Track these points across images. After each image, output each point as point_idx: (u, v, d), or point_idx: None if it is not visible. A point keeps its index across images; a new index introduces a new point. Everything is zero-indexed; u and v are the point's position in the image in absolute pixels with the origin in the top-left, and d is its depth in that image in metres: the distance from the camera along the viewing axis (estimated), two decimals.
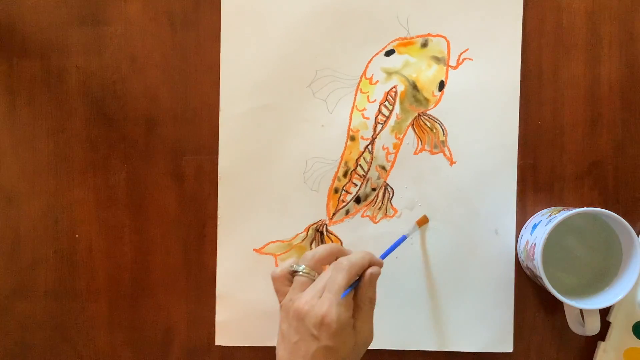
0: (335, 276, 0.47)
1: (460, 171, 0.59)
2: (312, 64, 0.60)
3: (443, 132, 0.59)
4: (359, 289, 0.48)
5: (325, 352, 0.45)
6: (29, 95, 0.61)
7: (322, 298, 0.46)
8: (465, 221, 0.59)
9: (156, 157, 0.61)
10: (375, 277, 0.49)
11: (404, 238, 0.57)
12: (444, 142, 0.59)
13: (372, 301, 0.48)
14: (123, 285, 0.61)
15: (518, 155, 0.59)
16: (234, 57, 0.60)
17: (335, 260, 0.49)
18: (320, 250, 0.50)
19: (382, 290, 0.59)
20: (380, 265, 0.50)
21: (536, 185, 0.59)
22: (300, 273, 0.49)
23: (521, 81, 0.59)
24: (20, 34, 0.61)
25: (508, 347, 0.59)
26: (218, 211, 0.60)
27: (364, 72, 0.60)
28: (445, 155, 0.59)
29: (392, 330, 0.59)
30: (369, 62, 0.60)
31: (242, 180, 0.60)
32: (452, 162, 0.59)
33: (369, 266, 0.49)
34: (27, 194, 0.61)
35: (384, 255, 0.53)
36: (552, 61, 0.59)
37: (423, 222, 0.59)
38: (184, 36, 0.60)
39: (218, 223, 0.60)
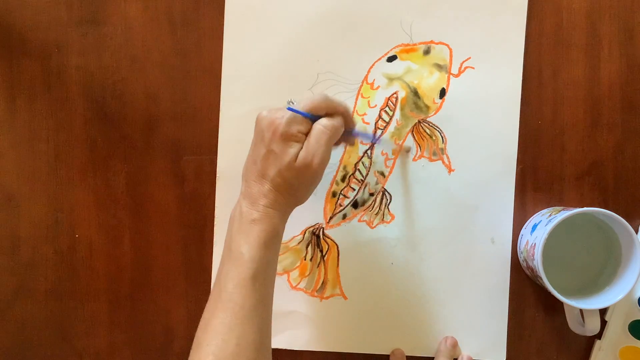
0: (305, 97, 0.48)
1: (459, 179, 0.59)
2: (314, 67, 0.60)
3: (442, 139, 0.59)
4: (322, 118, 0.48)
5: (269, 155, 0.47)
6: (29, 95, 0.61)
7: (277, 110, 0.48)
8: (462, 229, 0.59)
9: (156, 157, 0.61)
10: (337, 123, 0.48)
11: (373, 139, 0.58)
12: (443, 150, 0.59)
13: (325, 129, 0.47)
14: (123, 285, 0.61)
15: (518, 156, 0.59)
16: (236, 57, 0.60)
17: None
18: (317, 97, 0.49)
19: (377, 295, 0.59)
20: (347, 121, 0.50)
21: (536, 185, 0.59)
22: (291, 102, 0.50)
23: (522, 81, 0.59)
24: (20, 34, 0.61)
25: (501, 356, 0.59)
26: (215, 211, 0.60)
27: (366, 77, 0.60)
28: (444, 162, 0.59)
29: (386, 336, 0.60)
30: (371, 67, 0.60)
31: (240, 181, 0.60)
32: (450, 170, 0.59)
33: (346, 121, 0.50)
34: (27, 194, 0.61)
35: (358, 133, 0.54)
36: (552, 61, 0.59)
37: (407, 150, 0.59)
38: (184, 36, 0.60)
39: (215, 223, 0.60)
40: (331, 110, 0.48)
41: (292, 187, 0.48)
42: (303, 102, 0.48)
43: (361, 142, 0.60)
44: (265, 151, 0.47)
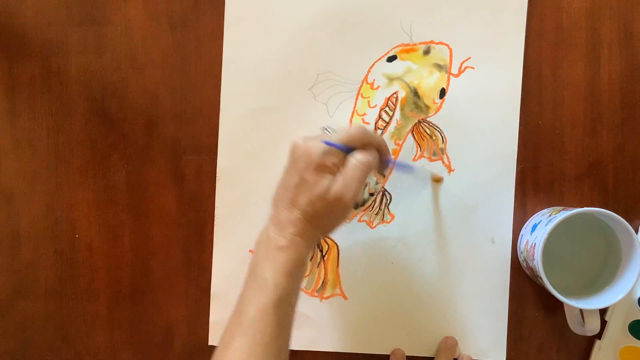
0: (344, 128, 0.49)
1: (459, 179, 0.59)
2: (314, 67, 0.60)
3: (442, 139, 0.59)
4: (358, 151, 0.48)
5: (302, 184, 0.47)
6: (29, 95, 0.61)
7: (312, 139, 0.48)
8: (462, 229, 0.59)
9: (156, 157, 0.61)
10: (373, 157, 0.48)
11: (410, 168, 0.57)
12: (443, 150, 0.59)
13: (359, 164, 0.47)
14: (123, 285, 0.61)
15: (518, 156, 0.59)
16: (236, 57, 0.60)
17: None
18: (354, 130, 0.49)
19: (377, 295, 0.60)
20: (384, 155, 0.50)
21: (536, 185, 0.59)
22: (327, 130, 0.50)
23: (521, 81, 0.59)
24: (20, 34, 0.61)
25: (501, 356, 0.59)
26: (215, 211, 0.60)
27: (366, 77, 0.60)
28: (444, 162, 0.59)
29: (386, 336, 0.60)
30: (371, 67, 0.60)
31: (241, 180, 0.60)
32: (450, 170, 0.59)
33: (381, 153, 0.50)
34: (27, 194, 0.61)
35: (396, 163, 0.53)
36: (552, 61, 0.59)
37: (438, 180, 0.59)
38: (184, 36, 0.60)
39: (215, 223, 0.60)
40: (366, 142, 0.48)
41: (321, 219, 0.47)
42: (339, 134, 0.48)
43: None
44: (298, 180, 0.47)
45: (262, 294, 0.46)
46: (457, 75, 0.59)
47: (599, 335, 0.58)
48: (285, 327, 0.47)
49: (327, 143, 0.47)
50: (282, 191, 0.49)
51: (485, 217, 0.59)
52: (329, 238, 0.60)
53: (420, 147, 0.59)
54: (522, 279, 0.59)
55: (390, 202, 0.60)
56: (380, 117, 0.60)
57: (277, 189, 0.50)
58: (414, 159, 0.59)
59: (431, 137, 0.59)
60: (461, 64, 0.59)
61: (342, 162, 0.47)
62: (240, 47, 0.60)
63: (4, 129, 0.61)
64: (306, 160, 0.47)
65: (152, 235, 0.61)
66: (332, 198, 0.46)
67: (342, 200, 0.46)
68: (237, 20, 0.60)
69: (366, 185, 0.60)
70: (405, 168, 0.58)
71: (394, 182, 0.60)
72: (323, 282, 0.60)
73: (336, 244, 0.60)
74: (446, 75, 0.59)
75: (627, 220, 0.52)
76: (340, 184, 0.46)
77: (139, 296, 0.61)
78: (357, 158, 0.47)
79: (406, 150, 0.59)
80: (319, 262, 0.60)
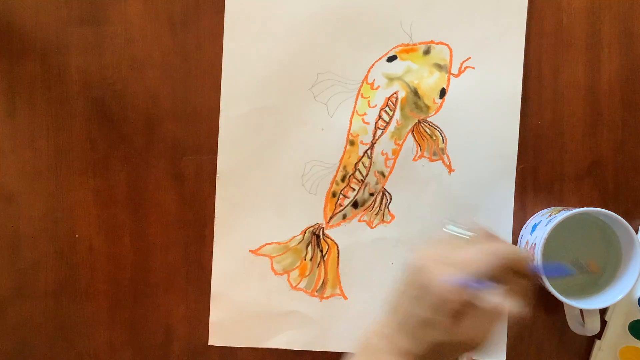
0: (478, 257, 0.39)
1: (459, 179, 0.59)
2: (314, 67, 0.60)
3: (443, 139, 0.59)
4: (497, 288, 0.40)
5: (425, 322, 0.39)
6: (29, 95, 0.61)
7: (443, 265, 0.39)
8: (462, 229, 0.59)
9: (156, 157, 0.61)
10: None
11: (566, 273, 0.51)
12: (443, 150, 0.59)
13: (497, 314, 0.39)
14: (123, 285, 0.61)
15: (518, 156, 0.59)
16: (236, 57, 0.60)
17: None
18: (492, 259, 0.40)
19: (377, 295, 0.59)
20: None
21: (536, 185, 0.59)
22: (454, 231, 0.43)
23: (522, 81, 0.59)
24: (20, 34, 0.61)
25: (501, 357, 0.59)
26: (215, 211, 0.60)
27: (366, 77, 0.60)
28: (444, 162, 0.59)
29: None
30: (371, 67, 0.60)
31: (241, 181, 0.60)
32: (450, 170, 0.59)
33: (525, 276, 0.41)
34: (27, 194, 0.61)
35: (545, 267, 0.47)
36: (552, 61, 0.59)
37: (594, 269, 0.55)
38: (184, 36, 0.60)
39: (215, 223, 0.60)
40: (506, 271, 0.41)
41: (441, 357, 0.41)
42: (478, 269, 0.40)
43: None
44: (419, 317, 0.40)
45: None
46: (457, 75, 0.59)
47: (599, 335, 0.58)
48: None
49: (460, 282, 0.38)
50: (407, 317, 0.41)
51: (485, 217, 0.59)
52: (328, 238, 0.60)
53: (420, 147, 0.59)
54: None
55: (390, 202, 0.60)
56: (380, 117, 0.60)
57: (399, 307, 0.41)
58: (414, 159, 0.59)
59: (431, 137, 0.59)
60: (461, 64, 0.59)
61: (473, 297, 0.39)
62: (240, 47, 0.60)
63: (4, 129, 0.61)
64: (427, 297, 0.39)
65: (152, 235, 0.61)
66: (458, 343, 0.40)
67: (471, 346, 0.40)
68: (237, 21, 0.60)
69: (366, 185, 0.60)
70: (558, 272, 0.50)
71: (394, 182, 0.60)
72: (323, 282, 0.60)
73: (336, 244, 0.60)
74: (446, 75, 0.59)
75: (627, 220, 0.52)
76: (472, 331, 0.39)
77: (139, 296, 0.61)
78: (495, 308, 0.39)
79: (406, 150, 0.59)
80: (319, 262, 0.60)
